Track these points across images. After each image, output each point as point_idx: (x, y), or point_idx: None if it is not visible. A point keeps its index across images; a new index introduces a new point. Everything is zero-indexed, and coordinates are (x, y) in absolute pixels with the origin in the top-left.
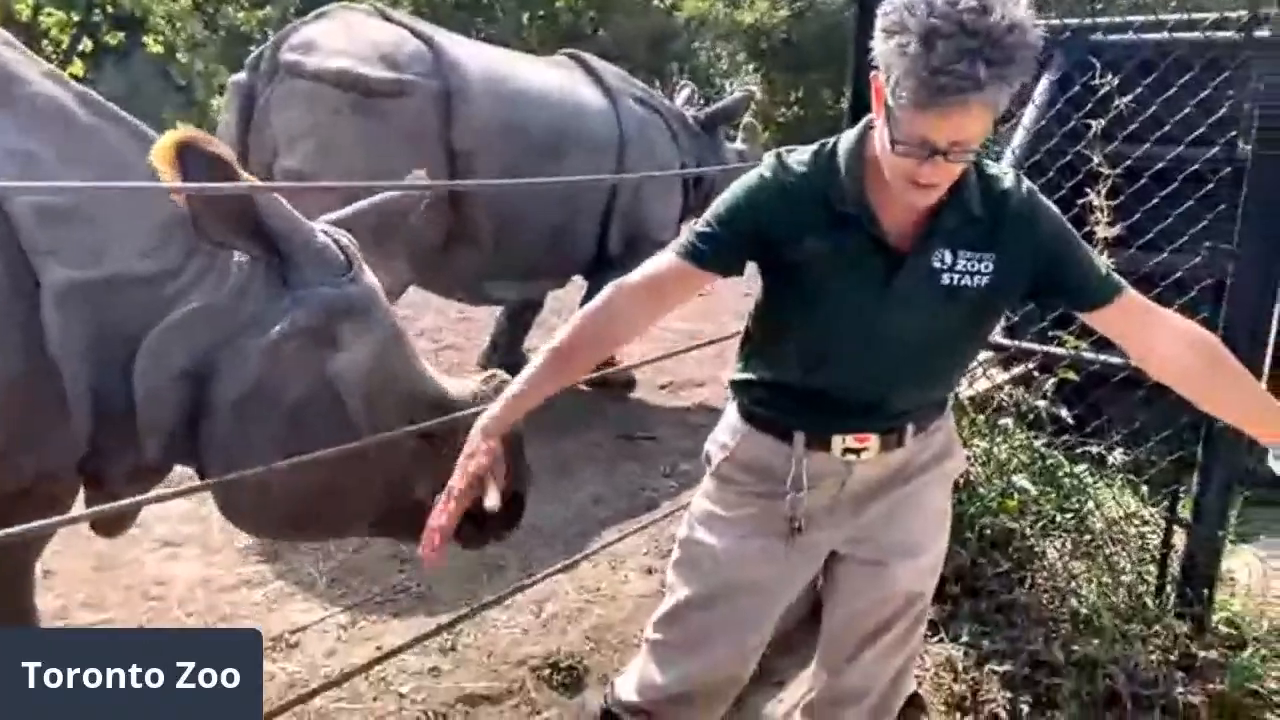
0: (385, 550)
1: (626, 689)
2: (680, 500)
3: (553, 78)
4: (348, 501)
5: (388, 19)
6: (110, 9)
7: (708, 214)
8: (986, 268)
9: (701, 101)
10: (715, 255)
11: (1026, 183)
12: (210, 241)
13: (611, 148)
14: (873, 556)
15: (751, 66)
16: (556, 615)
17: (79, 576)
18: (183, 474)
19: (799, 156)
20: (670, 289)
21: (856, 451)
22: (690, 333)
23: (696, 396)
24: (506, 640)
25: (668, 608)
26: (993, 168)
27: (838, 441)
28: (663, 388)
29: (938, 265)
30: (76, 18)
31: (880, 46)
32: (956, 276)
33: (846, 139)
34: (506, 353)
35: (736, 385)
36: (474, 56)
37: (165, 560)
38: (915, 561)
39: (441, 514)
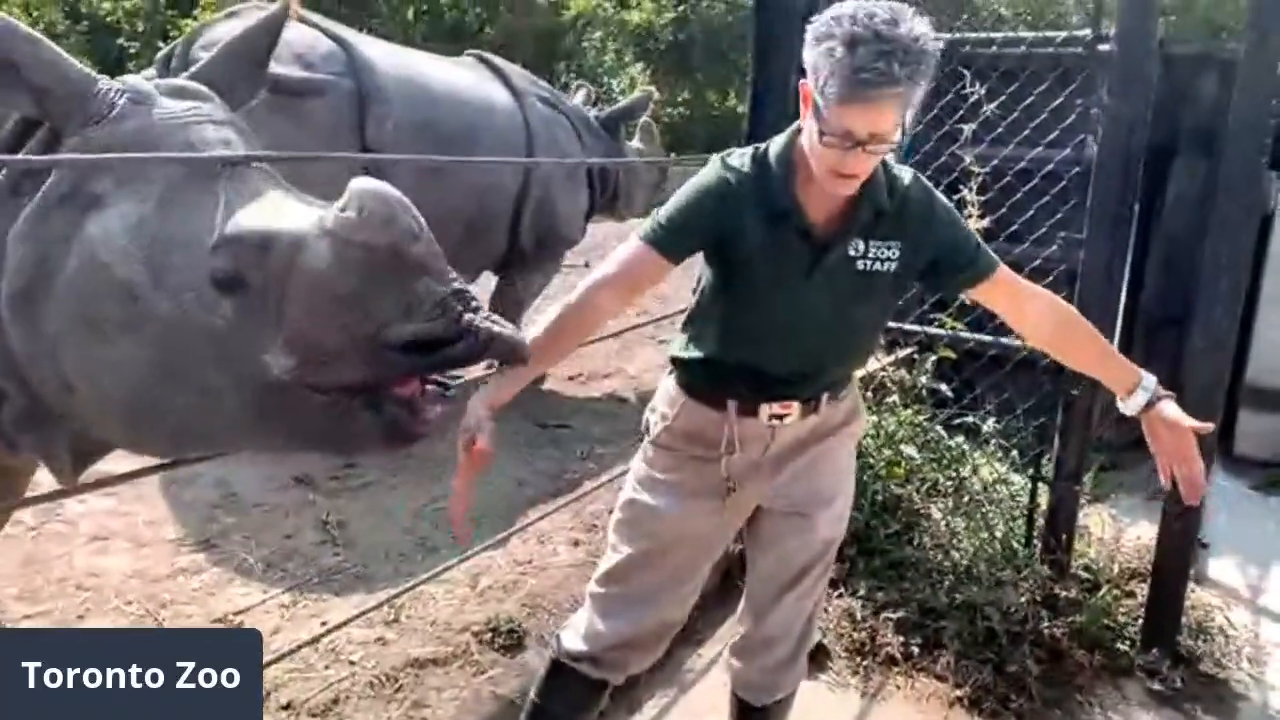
0: (318, 535)
1: (573, 639)
2: (599, 481)
3: (461, 78)
4: (186, 390)
5: (299, 19)
6: None
7: (667, 207)
8: (894, 254)
9: (595, 100)
10: (677, 245)
11: (922, 178)
12: None
13: (519, 147)
14: (793, 509)
15: (639, 67)
16: (492, 586)
17: (7, 573)
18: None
19: (737, 160)
20: (642, 274)
21: (781, 417)
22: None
23: (605, 387)
24: (447, 611)
25: (610, 564)
26: (894, 167)
27: (765, 409)
28: (572, 379)
29: (853, 253)
30: None
31: (810, 52)
32: (869, 262)
33: (776, 144)
34: None
35: (677, 361)
36: (386, 57)
37: (95, 554)
38: (830, 510)
39: (456, 496)
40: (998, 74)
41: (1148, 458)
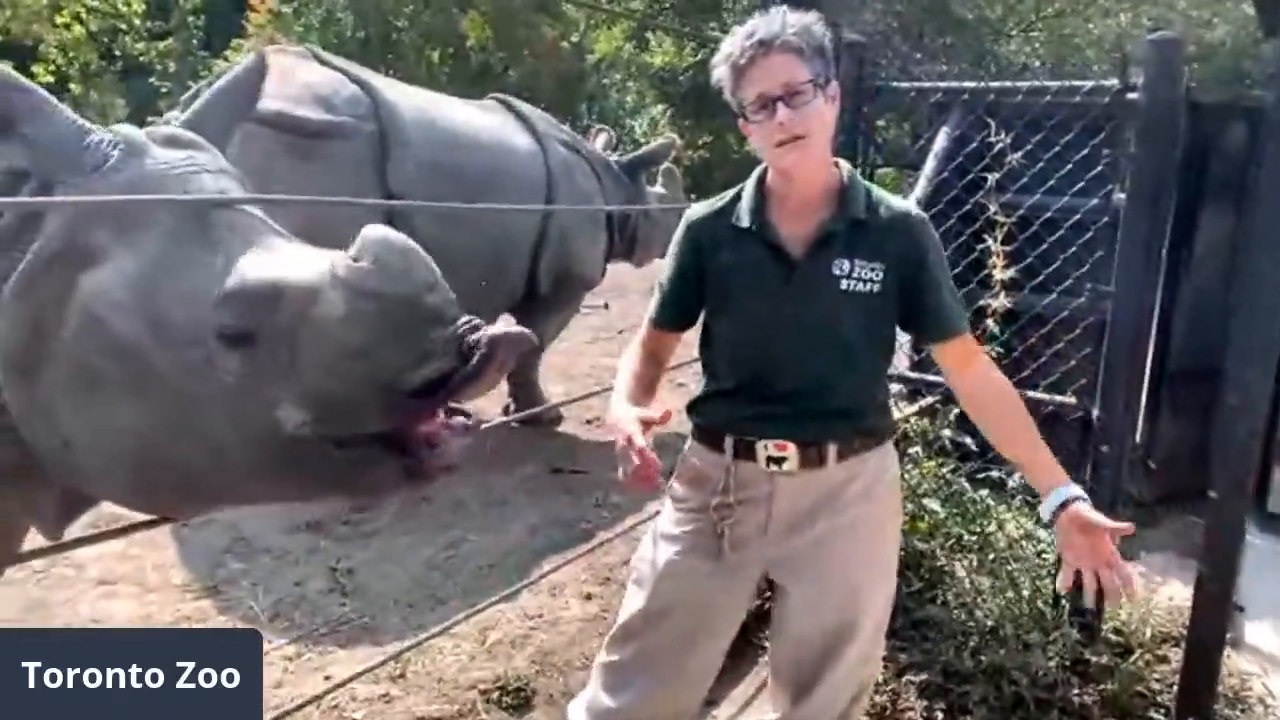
0: (326, 583)
1: (578, 713)
2: (614, 530)
3: (483, 121)
4: (194, 448)
5: (322, 62)
6: None
7: (658, 281)
8: (877, 275)
9: (616, 144)
10: (669, 312)
11: (924, 215)
12: None
13: (540, 190)
14: (801, 589)
15: (659, 109)
16: (501, 641)
17: (10, 618)
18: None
19: (708, 201)
20: (659, 348)
21: (779, 460)
22: (614, 370)
23: None
24: (454, 666)
25: (618, 626)
26: (893, 196)
27: (761, 449)
28: (589, 423)
29: (837, 272)
30: None
31: (718, 75)
32: (853, 282)
33: (748, 182)
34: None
35: (690, 407)
36: (408, 100)
37: (101, 599)
38: (837, 596)
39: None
40: (1023, 122)
41: (1178, 513)
